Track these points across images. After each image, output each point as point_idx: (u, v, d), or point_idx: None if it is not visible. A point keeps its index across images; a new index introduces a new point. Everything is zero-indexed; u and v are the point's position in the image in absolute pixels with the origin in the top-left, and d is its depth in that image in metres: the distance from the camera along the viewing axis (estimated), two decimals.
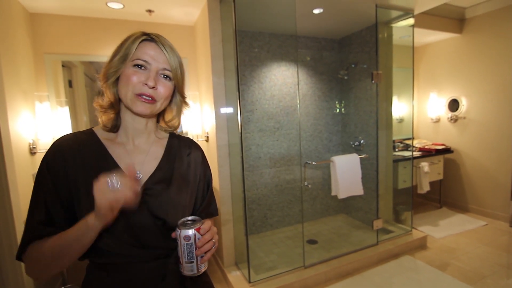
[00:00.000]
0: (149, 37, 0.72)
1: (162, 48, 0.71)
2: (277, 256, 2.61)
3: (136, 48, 0.70)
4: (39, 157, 2.10)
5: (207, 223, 0.68)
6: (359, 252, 2.51)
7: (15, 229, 1.63)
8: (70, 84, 2.33)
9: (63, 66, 2.28)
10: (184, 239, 0.65)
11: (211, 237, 0.67)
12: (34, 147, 1.99)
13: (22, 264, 1.67)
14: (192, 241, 0.65)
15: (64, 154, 0.70)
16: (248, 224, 2.37)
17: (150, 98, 0.71)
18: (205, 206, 0.88)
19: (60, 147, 0.71)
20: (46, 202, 0.68)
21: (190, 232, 0.65)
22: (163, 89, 0.73)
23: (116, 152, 0.75)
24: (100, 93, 0.76)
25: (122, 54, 0.70)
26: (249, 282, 2.12)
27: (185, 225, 0.66)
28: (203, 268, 0.68)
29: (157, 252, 0.74)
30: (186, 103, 0.84)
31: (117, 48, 0.72)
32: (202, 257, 0.66)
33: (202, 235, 0.66)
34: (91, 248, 0.69)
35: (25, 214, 1.82)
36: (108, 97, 0.74)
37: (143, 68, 0.70)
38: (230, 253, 2.39)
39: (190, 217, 0.69)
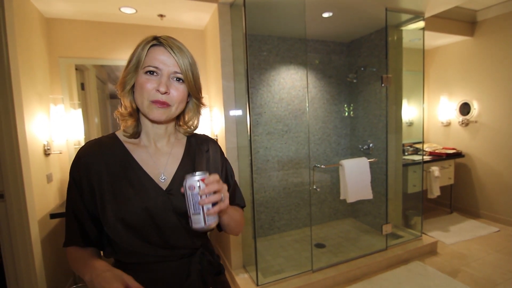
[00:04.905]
0: (158, 41, 0.73)
1: (171, 51, 0.72)
2: (285, 260, 2.60)
3: (146, 55, 0.72)
4: (53, 158, 2.15)
5: (214, 176, 0.67)
6: (368, 257, 2.48)
7: (29, 228, 1.67)
8: (82, 86, 2.38)
9: (76, 69, 2.33)
10: (189, 189, 0.64)
11: (217, 189, 0.66)
12: (48, 148, 2.04)
13: (36, 262, 1.72)
14: (196, 191, 0.64)
15: (86, 163, 0.73)
16: (256, 227, 2.37)
17: (164, 104, 0.73)
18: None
19: (82, 156, 0.74)
20: (74, 212, 0.73)
21: (195, 181, 0.64)
22: (176, 92, 0.74)
23: (139, 155, 0.78)
24: (119, 103, 0.79)
25: (135, 62, 0.72)
26: (257, 285, 2.12)
27: (191, 175, 0.65)
28: (212, 222, 0.66)
29: (182, 252, 0.76)
30: (202, 103, 0.86)
31: (130, 56, 0.74)
32: (208, 209, 0.65)
33: (206, 185, 0.65)
34: (118, 249, 0.72)
35: (40, 213, 1.87)
36: (126, 105, 0.77)
37: (155, 74, 0.72)
38: (238, 255, 2.39)
39: (198, 171, 0.68)
